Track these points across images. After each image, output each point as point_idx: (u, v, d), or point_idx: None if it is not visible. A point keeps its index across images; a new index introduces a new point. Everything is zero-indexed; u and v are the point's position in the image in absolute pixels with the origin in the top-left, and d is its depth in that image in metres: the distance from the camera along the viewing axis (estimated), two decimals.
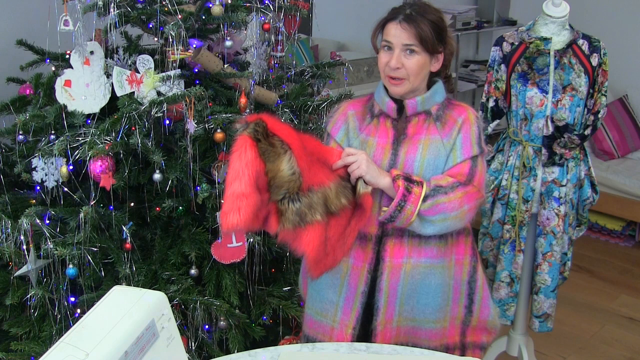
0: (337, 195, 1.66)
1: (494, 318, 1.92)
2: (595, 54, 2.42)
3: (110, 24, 2.05)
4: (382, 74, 1.77)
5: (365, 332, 1.81)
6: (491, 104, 2.54)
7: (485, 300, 1.89)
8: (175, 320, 1.33)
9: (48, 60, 2.33)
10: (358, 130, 1.81)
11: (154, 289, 1.40)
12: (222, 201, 1.56)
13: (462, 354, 1.87)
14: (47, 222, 2.04)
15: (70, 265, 1.97)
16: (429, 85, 1.80)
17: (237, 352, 1.97)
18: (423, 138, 1.74)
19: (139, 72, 2.11)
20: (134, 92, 2.11)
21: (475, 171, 1.74)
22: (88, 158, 1.94)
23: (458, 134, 1.74)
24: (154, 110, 1.97)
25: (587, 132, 2.46)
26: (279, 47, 2.39)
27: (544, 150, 2.45)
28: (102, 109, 2.15)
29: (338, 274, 1.81)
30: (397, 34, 1.70)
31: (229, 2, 2.13)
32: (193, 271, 2.08)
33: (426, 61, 1.72)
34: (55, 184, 2.08)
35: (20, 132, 2.15)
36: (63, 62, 2.23)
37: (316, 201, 1.61)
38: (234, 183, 1.51)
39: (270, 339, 2.17)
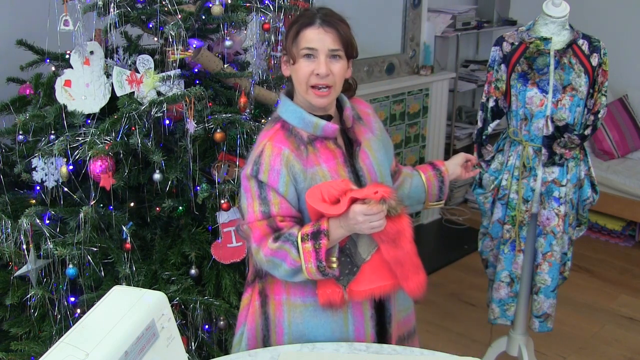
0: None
1: None
2: (595, 54, 2.42)
3: (110, 24, 2.05)
4: (302, 86, 1.61)
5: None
6: (491, 104, 2.54)
7: None
8: (175, 320, 1.33)
9: (48, 60, 2.33)
10: (304, 168, 1.61)
11: (154, 289, 1.40)
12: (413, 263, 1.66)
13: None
14: (47, 222, 2.04)
15: (70, 265, 1.97)
16: None
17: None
18: (364, 142, 1.72)
19: (139, 72, 2.11)
20: (134, 92, 2.11)
21: None
22: (88, 158, 1.94)
23: (377, 125, 1.80)
24: (154, 110, 1.97)
25: (587, 132, 2.46)
26: (279, 47, 2.38)
27: (544, 150, 2.45)
28: (102, 109, 2.15)
29: (340, 315, 1.70)
30: (321, 38, 1.58)
31: (229, 2, 2.13)
32: (193, 271, 2.08)
33: (346, 67, 1.63)
34: (55, 184, 2.08)
35: (20, 132, 2.15)
36: (63, 62, 2.23)
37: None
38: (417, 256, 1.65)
39: None
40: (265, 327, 1.74)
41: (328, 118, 1.68)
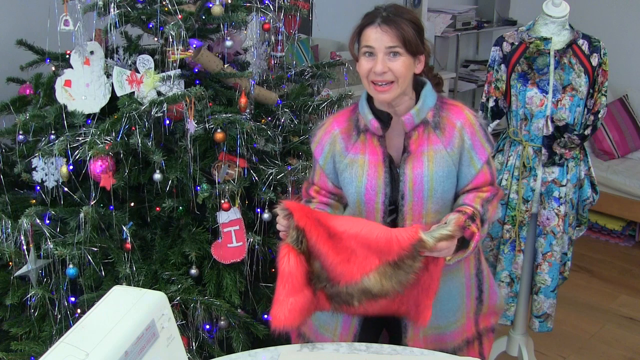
0: (381, 283, 1.56)
1: (501, 301, 1.95)
2: (595, 54, 2.42)
3: (110, 24, 2.04)
4: (365, 81, 1.67)
5: None
6: (491, 104, 2.54)
7: (492, 287, 1.90)
8: (176, 320, 1.33)
9: (48, 60, 2.33)
10: (345, 151, 1.74)
11: (154, 289, 1.40)
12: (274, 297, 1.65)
13: (480, 342, 1.89)
14: (47, 222, 2.04)
15: (70, 265, 1.97)
16: (416, 89, 1.72)
17: (241, 350, 1.97)
18: (426, 150, 1.67)
19: (139, 72, 2.11)
20: (134, 92, 2.11)
21: (493, 171, 1.76)
22: (88, 158, 1.94)
23: (462, 141, 1.68)
24: (154, 110, 1.97)
25: (587, 132, 2.46)
26: (279, 47, 2.38)
27: (544, 150, 2.45)
28: (102, 109, 2.15)
29: None
30: (379, 37, 1.61)
31: (229, 2, 2.13)
32: (193, 271, 2.08)
33: (410, 63, 1.65)
34: (55, 184, 2.08)
35: (20, 132, 2.15)
36: (63, 62, 2.23)
37: (352, 292, 1.59)
38: (280, 288, 1.61)
39: (271, 338, 2.17)
40: None
41: (388, 115, 1.70)
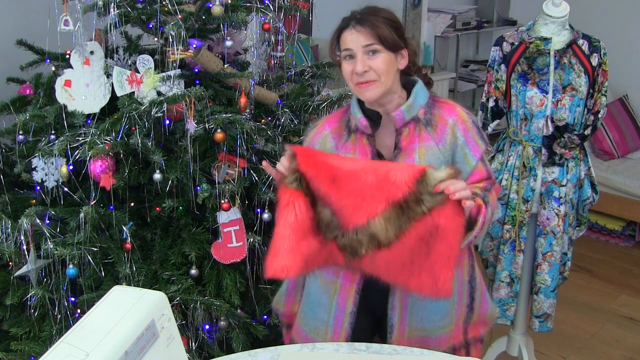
0: (386, 228, 1.54)
1: (492, 310, 1.93)
2: (595, 54, 2.42)
3: (110, 24, 2.05)
4: (351, 85, 1.68)
5: None
6: (491, 104, 2.54)
7: (484, 295, 1.89)
8: (176, 320, 1.33)
9: (48, 60, 2.33)
10: (334, 150, 1.75)
11: (154, 289, 1.40)
12: (273, 245, 1.58)
13: (467, 352, 1.87)
14: (47, 222, 2.04)
15: (70, 265, 1.97)
16: (407, 87, 1.72)
17: (241, 351, 1.97)
18: (417, 147, 1.68)
19: (139, 72, 2.11)
20: (134, 92, 2.11)
21: (488, 168, 1.76)
22: (88, 158, 1.94)
23: (455, 138, 1.69)
24: (154, 110, 1.97)
25: (587, 132, 2.46)
26: (279, 47, 2.38)
27: (544, 150, 2.45)
28: (102, 109, 2.15)
29: (327, 294, 1.79)
30: (354, 38, 1.63)
31: (229, 2, 2.13)
32: (193, 271, 2.08)
33: (391, 59, 1.65)
34: (55, 184, 2.08)
35: (20, 132, 2.15)
36: (63, 62, 2.23)
37: (361, 237, 1.57)
38: (284, 237, 1.55)
39: (271, 338, 2.17)
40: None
41: (378, 114, 1.70)
